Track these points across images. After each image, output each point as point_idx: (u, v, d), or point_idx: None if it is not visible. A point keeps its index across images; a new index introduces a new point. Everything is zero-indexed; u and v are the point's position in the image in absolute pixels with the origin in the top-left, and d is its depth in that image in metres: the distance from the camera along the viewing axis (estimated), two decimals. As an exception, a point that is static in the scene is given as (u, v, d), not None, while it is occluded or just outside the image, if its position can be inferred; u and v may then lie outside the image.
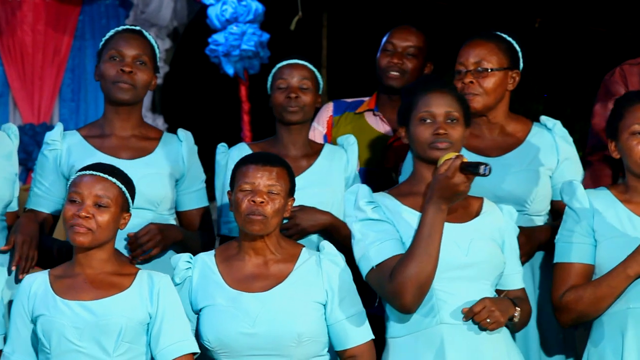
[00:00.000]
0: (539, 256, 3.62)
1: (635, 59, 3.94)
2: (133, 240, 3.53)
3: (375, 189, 3.30)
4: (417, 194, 3.24)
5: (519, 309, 3.21)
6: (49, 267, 3.31)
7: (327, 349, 3.27)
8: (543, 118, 3.74)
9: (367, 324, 3.27)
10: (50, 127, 6.58)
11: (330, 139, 4.26)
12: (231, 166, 3.38)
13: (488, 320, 3.13)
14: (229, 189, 3.32)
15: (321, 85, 3.91)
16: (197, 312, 3.26)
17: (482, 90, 3.60)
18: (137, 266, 3.40)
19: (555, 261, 3.34)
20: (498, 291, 3.27)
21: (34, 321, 3.17)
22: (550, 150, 3.67)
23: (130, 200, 3.24)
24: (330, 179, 3.83)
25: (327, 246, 3.30)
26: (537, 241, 3.56)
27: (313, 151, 3.88)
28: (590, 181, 3.73)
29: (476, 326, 3.16)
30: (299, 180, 3.73)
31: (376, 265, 3.16)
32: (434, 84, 3.30)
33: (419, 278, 3.08)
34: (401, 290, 3.09)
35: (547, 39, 10.00)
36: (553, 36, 10.16)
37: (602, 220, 3.28)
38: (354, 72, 10.31)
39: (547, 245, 3.54)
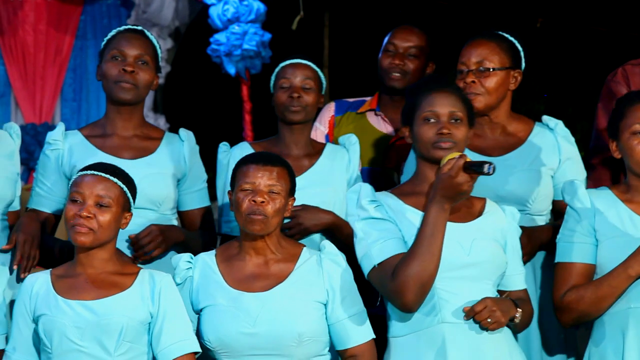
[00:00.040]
0: (540, 256, 3.62)
1: (637, 59, 3.95)
2: (134, 242, 3.53)
3: (376, 188, 3.30)
4: (420, 193, 3.24)
5: (521, 310, 3.21)
6: (50, 267, 3.31)
7: (328, 349, 3.27)
8: (545, 118, 3.74)
9: (367, 324, 3.27)
10: (52, 127, 6.57)
11: (332, 138, 4.26)
12: (233, 165, 3.38)
13: (489, 320, 3.13)
14: (229, 188, 3.33)
15: (324, 86, 3.91)
16: (198, 312, 3.26)
17: (484, 89, 3.60)
18: (139, 265, 3.40)
19: (556, 261, 3.34)
20: (500, 292, 3.27)
21: (35, 321, 3.17)
22: (552, 150, 3.67)
23: (131, 200, 3.24)
24: (332, 179, 3.84)
25: (328, 245, 3.30)
26: (538, 241, 3.56)
27: (315, 151, 3.88)
28: (592, 184, 3.73)
29: (478, 326, 3.16)
30: (301, 179, 3.74)
31: (378, 264, 3.16)
32: (439, 83, 3.30)
33: (421, 277, 3.09)
34: (403, 289, 3.09)
35: (548, 38, 9.99)
36: (555, 36, 10.16)
37: (604, 220, 3.28)
38: (355, 72, 10.31)
39: (548, 245, 3.55)
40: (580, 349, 3.54)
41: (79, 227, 3.13)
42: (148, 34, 3.73)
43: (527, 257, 3.50)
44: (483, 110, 3.59)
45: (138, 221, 3.49)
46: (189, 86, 10.85)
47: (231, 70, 7.94)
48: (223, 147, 3.89)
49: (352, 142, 3.92)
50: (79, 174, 3.22)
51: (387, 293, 3.16)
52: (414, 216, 3.20)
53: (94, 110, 8.25)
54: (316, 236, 3.74)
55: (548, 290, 3.46)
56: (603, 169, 3.80)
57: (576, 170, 3.68)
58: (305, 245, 3.35)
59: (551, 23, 9.46)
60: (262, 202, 3.20)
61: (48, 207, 3.66)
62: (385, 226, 3.20)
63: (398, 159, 4.01)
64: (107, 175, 3.19)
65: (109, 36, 3.71)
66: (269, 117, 3.95)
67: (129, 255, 3.55)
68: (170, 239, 3.60)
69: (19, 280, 3.42)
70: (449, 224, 3.15)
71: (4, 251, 3.44)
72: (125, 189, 3.21)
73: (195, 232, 3.76)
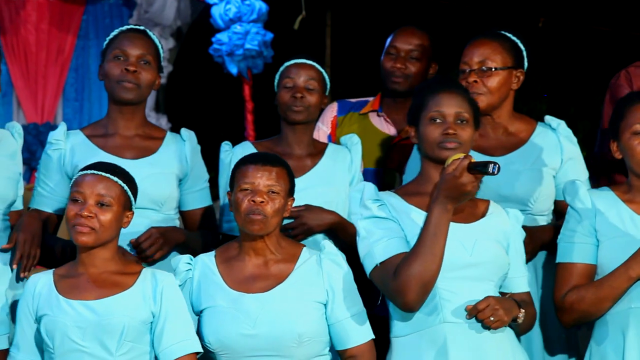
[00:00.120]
0: (541, 256, 3.62)
1: (640, 61, 3.95)
2: (136, 246, 3.53)
3: (379, 189, 3.30)
4: (424, 193, 3.24)
5: (523, 310, 3.21)
6: (52, 266, 3.31)
7: (328, 349, 3.27)
8: (547, 118, 3.74)
9: (367, 324, 3.27)
10: (54, 127, 6.57)
11: (335, 139, 4.26)
12: (235, 165, 3.38)
13: (491, 318, 3.13)
14: (229, 189, 3.33)
15: (328, 87, 3.91)
16: (198, 314, 3.26)
17: (486, 89, 3.60)
18: (144, 264, 3.41)
19: (557, 261, 3.34)
20: (503, 294, 3.27)
21: (38, 321, 3.17)
22: (554, 150, 3.67)
23: (132, 199, 3.24)
24: (334, 179, 3.83)
25: (328, 245, 3.30)
26: (540, 241, 3.56)
27: (317, 151, 3.88)
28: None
29: (480, 325, 3.16)
30: (303, 179, 3.74)
31: (380, 263, 3.16)
32: (446, 84, 3.31)
33: (423, 277, 3.09)
34: (404, 289, 3.09)
35: (550, 38, 9.99)
36: (557, 36, 10.15)
37: (604, 220, 3.28)
38: (357, 72, 10.31)
39: (549, 245, 3.54)
40: (581, 349, 3.54)
41: (81, 227, 3.13)
42: (150, 33, 3.73)
43: (528, 256, 3.49)
44: (485, 110, 3.59)
45: (141, 221, 3.50)
46: (191, 86, 10.85)
47: (233, 69, 7.95)
48: (225, 146, 3.88)
49: (354, 142, 3.92)
50: (79, 173, 3.23)
51: (388, 292, 3.16)
52: (417, 216, 3.20)
53: (96, 110, 8.26)
54: (319, 236, 3.74)
55: (549, 290, 3.46)
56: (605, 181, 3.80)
57: (578, 170, 3.68)
58: (305, 245, 3.35)
59: (553, 23, 9.46)
60: (262, 202, 3.20)
61: (50, 207, 3.66)
62: (388, 225, 3.20)
63: (400, 160, 4.01)
64: (108, 175, 3.19)
65: (111, 36, 3.71)
66: (271, 117, 3.95)
67: (133, 253, 3.54)
68: (171, 240, 3.59)
69: (19, 279, 3.42)
70: (451, 224, 3.15)
71: (5, 250, 3.44)
72: (126, 187, 3.22)
73: (197, 232, 3.76)
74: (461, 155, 3.14)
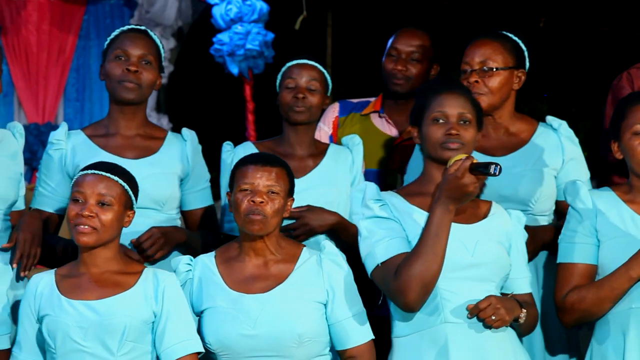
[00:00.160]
0: (542, 256, 3.62)
1: (642, 62, 3.95)
2: (137, 245, 3.53)
3: (380, 190, 3.30)
4: (426, 194, 3.24)
5: (525, 311, 3.21)
6: (52, 266, 3.31)
7: (328, 349, 3.27)
8: (549, 118, 3.74)
9: (367, 324, 3.27)
10: (55, 127, 6.57)
11: (336, 139, 4.26)
12: (237, 165, 3.37)
13: (493, 317, 3.12)
14: (229, 190, 3.33)
15: (330, 87, 3.91)
16: (199, 315, 3.26)
17: (487, 89, 3.59)
18: (145, 264, 3.41)
19: (558, 261, 3.34)
20: (504, 294, 3.26)
21: (39, 321, 3.17)
22: (556, 151, 3.67)
23: (133, 198, 3.25)
24: (336, 179, 3.83)
25: (328, 246, 3.30)
26: (541, 241, 3.56)
27: (318, 151, 3.88)
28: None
29: (481, 326, 3.16)
30: (305, 180, 3.74)
31: (381, 263, 3.16)
32: (448, 85, 3.31)
33: (424, 277, 3.08)
34: (405, 289, 3.09)
35: (551, 38, 9.99)
36: (558, 36, 10.15)
37: (605, 221, 3.28)
38: (358, 72, 10.32)
39: (551, 245, 3.54)
40: (582, 349, 3.54)
41: (82, 226, 3.13)
42: (151, 33, 3.73)
43: (530, 256, 3.49)
44: (486, 110, 3.59)
45: (142, 221, 3.49)
46: (192, 86, 10.86)
47: (234, 70, 7.95)
48: (227, 146, 3.88)
49: (355, 142, 3.92)
50: (80, 173, 3.23)
51: (389, 292, 3.16)
52: (419, 216, 3.20)
53: (97, 110, 8.26)
54: (320, 237, 3.74)
55: (550, 290, 3.46)
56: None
57: (579, 170, 3.68)
58: (305, 246, 3.35)
59: (554, 23, 9.46)
60: (261, 202, 3.20)
61: (51, 207, 3.66)
62: (389, 225, 3.20)
63: (402, 161, 4.01)
64: (108, 174, 3.19)
65: (112, 36, 3.71)
66: (272, 117, 3.95)
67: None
68: (172, 240, 3.59)
69: (19, 278, 3.42)
70: (453, 224, 3.15)
71: (6, 250, 3.44)
72: (127, 187, 3.22)
73: (198, 232, 3.76)
74: (463, 156, 3.14)
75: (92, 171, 3.20)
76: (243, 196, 3.22)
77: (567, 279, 3.28)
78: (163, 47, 3.75)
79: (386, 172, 4.18)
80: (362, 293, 3.33)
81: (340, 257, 3.28)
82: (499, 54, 3.62)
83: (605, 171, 3.86)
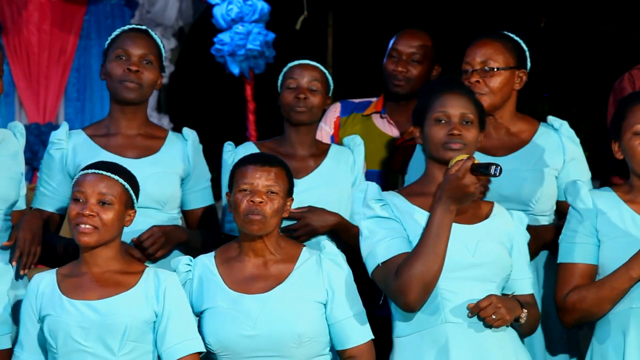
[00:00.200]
0: (543, 256, 3.62)
1: (644, 63, 3.95)
2: (138, 244, 3.53)
3: (382, 190, 3.29)
4: (428, 194, 3.24)
5: (526, 311, 3.20)
6: (53, 266, 3.31)
7: (328, 348, 3.26)
8: (550, 118, 3.74)
9: (367, 324, 3.27)
10: (56, 127, 6.57)
11: (337, 139, 4.25)
12: (238, 165, 3.37)
13: (493, 316, 3.12)
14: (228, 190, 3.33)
15: (331, 88, 3.91)
16: (198, 315, 3.26)
17: (488, 89, 3.59)
18: (146, 263, 3.41)
19: (558, 261, 3.34)
20: (505, 295, 3.26)
21: (41, 320, 3.17)
22: (557, 151, 3.66)
23: (134, 197, 3.25)
24: (337, 180, 3.83)
25: (328, 246, 3.30)
26: (541, 240, 3.56)
27: (320, 152, 3.88)
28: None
29: (481, 326, 3.15)
30: (306, 180, 3.74)
31: (382, 263, 3.16)
32: (451, 85, 3.30)
33: (425, 277, 3.08)
34: (406, 288, 3.09)
35: (553, 38, 9.99)
36: (559, 36, 10.15)
37: (606, 221, 3.28)
38: (359, 72, 10.32)
39: (551, 245, 3.54)
40: (583, 349, 3.54)
41: (83, 226, 3.13)
42: (152, 33, 3.73)
43: (530, 255, 3.49)
44: (487, 110, 3.58)
45: (144, 221, 3.49)
46: (192, 86, 10.86)
47: (235, 70, 7.95)
48: (228, 146, 3.88)
49: (356, 143, 3.92)
50: (80, 173, 3.23)
51: (390, 292, 3.16)
52: (420, 216, 3.20)
53: (98, 110, 8.26)
54: (321, 237, 3.73)
55: (551, 290, 3.46)
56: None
57: (581, 170, 3.68)
58: (304, 246, 3.35)
59: (555, 23, 9.46)
60: (261, 202, 3.20)
61: (52, 207, 3.66)
62: (390, 225, 3.20)
63: (403, 162, 4.01)
64: (108, 173, 3.20)
65: (113, 35, 3.71)
66: (273, 117, 3.95)
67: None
68: (173, 239, 3.59)
69: (18, 277, 3.42)
70: (454, 225, 3.15)
71: (6, 248, 3.44)
72: (127, 186, 3.22)
73: (199, 231, 3.76)
74: (465, 156, 3.14)
75: (93, 170, 3.21)
76: (242, 196, 3.22)
77: (568, 279, 3.28)
78: (164, 47, 3.75)
79: (387, 173, 4.17)
80: (363, 293, 3.33)
81: (340, 257, 3.28)
82: (500, 54, 3.62)
83: (608, 171, 3.86)
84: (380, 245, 3.17)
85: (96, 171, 3.20)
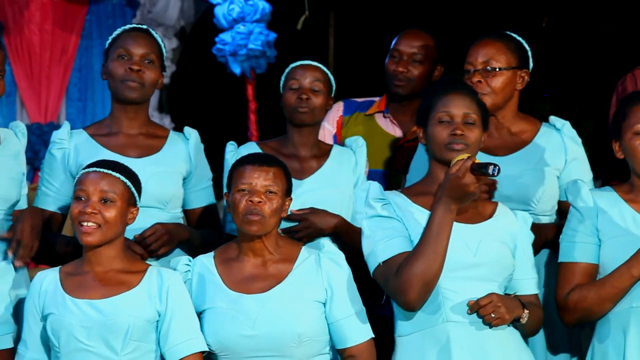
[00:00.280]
0: (544, 255, 3.62)
1: (646, 63, 3.95)
2: (140, 240, 3.53)
3: (384, 190, 3.29)
4: (431, 194, 3.24)
5: (527, 311, 3.20)
6: (53, 265, 3.31)
7: (328, 347, 3.26)
8: (552, 118, 3.74)
9: (367, 323, 3.27)
10: (57, 127, 6.58)
11: (340, 138, 4.25)
12: (241, 165, 3.37)
13: (492, 315, 3.12)
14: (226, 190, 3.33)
15: (334, 88, 3.90)
16: (198, 315, 3.25)
17: (490, 89, 3.60)
18: (148, 262, 3.41)
19: (559, 261, 3.35)
20: (508, 294, 3.26)
21: (44, 319, 3.18)
22: (559, 151, 3.67)
23: (136, 195, 3.25)
24: (339, 181, 3.83)
25: (327, 244, 3.31)
26: (543, 237, 3.56)
27: (322, 152, 3.88)
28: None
29: (483, 325, 3.15)
30: (308, 181, 3.74)
31: (383, 262, 3.16)
32: (454, 85, 3.31)
33: (425, 276, 3.09)
34: (406, 288, 3.09)
35: (554, 38, 9.98)
36: (560, 35, 10.14)
37: (606, 220, 3.29)
38: (361, 72, 10.31)
39: (552, 244, 3.54)
40: (584, 348, 3.54)
41: (86, 224, 3.13)
42: (153, 32, 3.73)
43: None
44: (489, 110, 3.57)
45: (146, 220, 3.49)
46: (194, 86, 10.86)
47: (236, 69, 7.94)
48: (230, 146, 3.88)
49: (359, 144, 3.92)
50: (82, 172, 3.24)
51: (390, 291, 3.16)
52: (422, 216, 3.20)
53: (99, 110, 8.26)
54: (322, 238, 3.73)
55: (552, 289, 3.46)
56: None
57: (582, 170, 3.68)
58: (303, 245, 3.35)
59: (557, 22, 9.46)
60: (259, 202, 3.20)
61: (54, 206, 3.66)
62: (391, 224, 3.20)
63: (406, 161, 4.00)
64: (110, 171, 3.20)
65: (114, 35, 3.71)
66: (274, 117, 3.95)
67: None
68: (175, 237, 3.59)
69: (15, 268, 3.42)
70: (456, 224, 3.15)
71: (3, 239, 3.43)
72: (129, 183, 3.22)
73: (201, 230, 3.76)
74: (465, 156, 3.14)
75: (94, 169, 3.21)
76: (241, 196, 3.22)
77: (569, 278, 3.28)
78: (165, 46, 3.75)
79: (390, 173, 4.17)
80: (365, 293, 3.33)
81: (339, 256, 3.28)
82: (502, 54, 3.62)
83: (609, 172, 3.86)
84: (381, 244, 3.17)
85: (98, 169, 3.20)
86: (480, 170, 3.10)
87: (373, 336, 3.27)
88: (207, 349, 3.20)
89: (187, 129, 3.80)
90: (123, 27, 3.72)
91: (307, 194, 3.69)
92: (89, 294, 3.15)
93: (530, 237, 3.33)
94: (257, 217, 3.20)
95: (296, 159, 3.78)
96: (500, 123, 3.67)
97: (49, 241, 3.53)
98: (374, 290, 3.41)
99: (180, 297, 3.19)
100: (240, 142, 3.93)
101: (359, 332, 3.24)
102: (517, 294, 3.26)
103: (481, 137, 3.26)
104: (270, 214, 3.22)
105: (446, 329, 3.17)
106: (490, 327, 3.15)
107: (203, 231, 3.75)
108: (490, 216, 3.28)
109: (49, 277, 3.20)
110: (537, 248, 3.55)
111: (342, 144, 4.01)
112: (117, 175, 3.20)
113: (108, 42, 3.71)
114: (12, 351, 3.30)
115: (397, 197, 3.26)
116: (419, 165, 3.65)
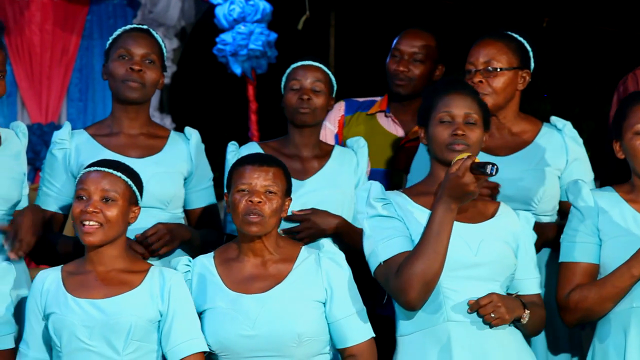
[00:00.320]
0: (545, 255, 3.62)
1: (647, 63, 3.95)
2: (142, 240, 3.53)
3: (386, 190, 3.29)
4: (432, 194, 3.24)
5: (528, 311, 3.20)
6: (53, 265, 3.31)
7: (329, 347, 3.26)
8: (553, 118, 3.74)
9: (367, 323, 3.27)
10: (58, 127, 6.58)
11: (342, 138, 4.25)
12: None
13: (492, 314, 3.12)
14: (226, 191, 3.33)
15: (335, 88, 3.90)
16: (198, 315, 3.25)
17: (491, 89, 3.60)
18: (150, 261, 3.41)
19: (560, 260, 3.35)
20: (510, 294, 3.26)
21: (45, 318, 3.18)
22: (560, 151, 3.67)
23: (137, 194, 3.25)
24: (340, 181, 3.83)
25: (327, 244, 3.31)
26: (544, 237, 3.56)
27: (323, 153, 3.88)
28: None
29: (484, 325, 3.15)
30: (310, 182, 3.74)
31: (384, 261, 3.16)
32: (455, 85, 3.30)
33: (425, 275, 3.08)
34: (406, 287, 3.09)
35: (555, 38, 9.98)
36: (561, 35, 10.14)
37: (607, 220, 3.29)
38: (361, 72, 10.31)
39: (553, 243, 3.54)
40: (585, 348, 3.54)
41: (87, 224, 3.13)
42: (154, 32, 3.73)
43: (533, 251, 3.49)
44: (491, 110, 3.58)
45: (147, 220, 3.49)
46: (195, 86, 10.86)
47: (237, 70, 7.94)
48: (232, 146, 3.88)
49: (360, 145, 3.92)
50: (83, 171, 3.24)
51: (391, 290, 3.16)
52: (423, 215, 3.20)
53: (100, 110, 8.26)
54: (323, 239, 3.73)
55: (553, 289, 3.46)
56: None
57: (583, 171, 3.68)
58: (303, 245, 3.35)
59: (557, 23, 9.46)
60: (259, 202, 3.20)
61: (55, 206, 3.66)
62: (392, 224, 3.20)
63: (407, 161, 4.00)
64: (111, 170, 3.20)
65: (114, 35, 3.71)
66: (275, 117, 3.94)
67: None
68: (177, 237, 3.59)
69: (7, 259, 3.41)
70: (458, 224, 3.15)
71: (2, 231, 3.43)
72: (130, 182, 3.22)
73: (202, 230, 3.76)
74: (465, 155, 3.14)
75: (95, 168, 3.21)
76: (241, 196, 3.22)
77: (569, 278, 3.29)
78: (165, 46, 3.75)
79: (392, 172, 4.17)
80: (367, 292, 3.33)
81: (338, 256, 3.28)
82: (503, 54, 3.62)
83: (609, 172, 3.85)
84: (382, 244, 3.17)
85: (99, 168, 3.20)
86: (479, 169, 3.10)
87: (374, 335, 3.27)
88: (208, 349, 3.19)
89: (187, 129, 3.80)
90: (124, 27, 3.72)
91: (308, 194, 3.69)
92: (91, 293, 3.15)
93: (532, 236, 3.32)
94: (257, 217, 3.20)
95: (297, 159, 3.78)
96: (502, 123, 3.67)
97: (50, 241, 3.53)
98: (375, 290, 3.40)
99: (182, 297, 3.19)
100: (241, 143, 3.93)
101: (359, 331, 3.24)
102: (519, 293, 3.26)
103: (482, 137, 3.26)
104: (270, 214, 3.21)
105: (447, 329, 3.16)
106: (491, 327, 3.15)
107: (203, 231, 3.75)
108: (492, 216, 3.28)
109: (50, 277, 3.20)
110: (537, 247, 3.55)
111: (344, 144, 4.01)
112: (118, 174, 3.20)
113: (109, 42, 3.71)
114: (14, 351, 3.30)
115: (398, 197, 3.26)
116: (420, 165, 3.65)
